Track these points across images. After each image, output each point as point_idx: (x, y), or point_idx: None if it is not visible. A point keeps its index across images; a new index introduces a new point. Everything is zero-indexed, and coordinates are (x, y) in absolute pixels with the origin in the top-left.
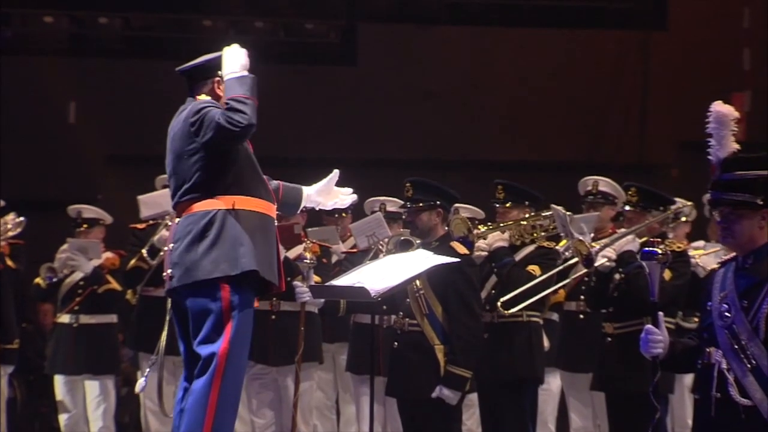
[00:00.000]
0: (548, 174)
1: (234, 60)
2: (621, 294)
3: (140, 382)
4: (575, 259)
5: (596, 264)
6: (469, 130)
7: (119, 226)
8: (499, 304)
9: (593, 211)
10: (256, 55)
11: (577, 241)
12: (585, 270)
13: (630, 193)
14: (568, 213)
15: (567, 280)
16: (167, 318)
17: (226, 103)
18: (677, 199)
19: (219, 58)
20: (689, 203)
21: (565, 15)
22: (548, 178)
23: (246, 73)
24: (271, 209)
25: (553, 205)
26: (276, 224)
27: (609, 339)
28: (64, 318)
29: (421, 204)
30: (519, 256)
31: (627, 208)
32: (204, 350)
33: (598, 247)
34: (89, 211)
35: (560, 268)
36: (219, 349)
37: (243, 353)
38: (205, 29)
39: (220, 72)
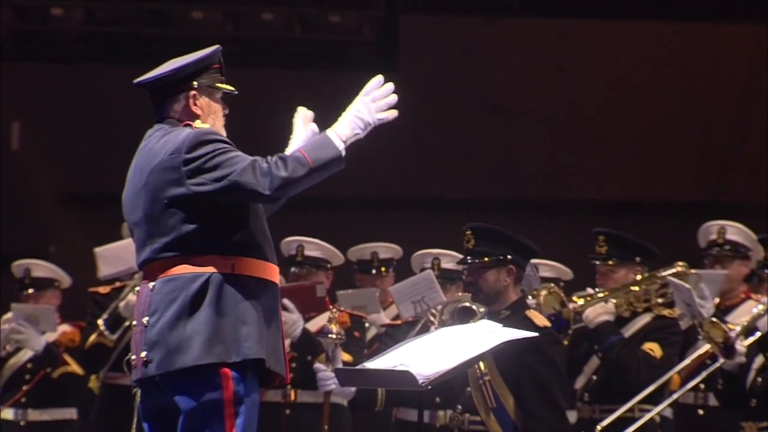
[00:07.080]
0: (660, 218)
1: (366, 105)
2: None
3: None
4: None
5: (720, 362)
6: (550, 158)
7: (79, 288)
8: (598, 430)
9: (719, 268)
10: (264, 58)
11: (709, 323)
12: (706, 348)
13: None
14: (692, 286)
15: (685, 361)
16: (135, 415)
17: (281, 157)
18: None
19: (194, 63)
20: None
21: (680, 3)
22: (661, 224)
23: (358, 134)
24: (276, 274)
25: (672, 279)
26: (293, 285)
27: None
28: (7, 413)
29: (486, 259)
30: (630, 330)
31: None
32: None
33: (737, 329)
34: (40, 268)
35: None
36: None
37: None
38: (194, 23)
39: (196, 82)
